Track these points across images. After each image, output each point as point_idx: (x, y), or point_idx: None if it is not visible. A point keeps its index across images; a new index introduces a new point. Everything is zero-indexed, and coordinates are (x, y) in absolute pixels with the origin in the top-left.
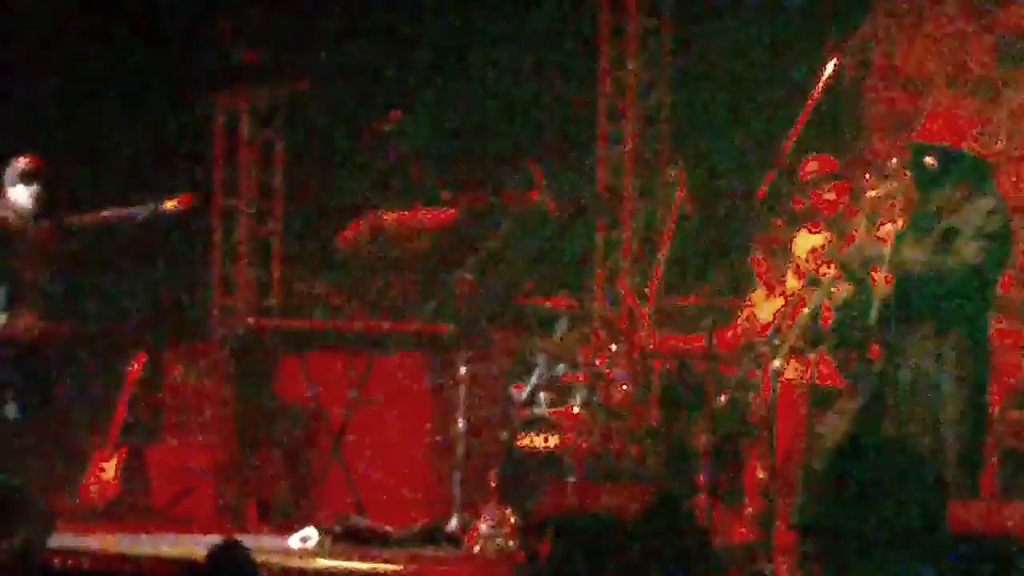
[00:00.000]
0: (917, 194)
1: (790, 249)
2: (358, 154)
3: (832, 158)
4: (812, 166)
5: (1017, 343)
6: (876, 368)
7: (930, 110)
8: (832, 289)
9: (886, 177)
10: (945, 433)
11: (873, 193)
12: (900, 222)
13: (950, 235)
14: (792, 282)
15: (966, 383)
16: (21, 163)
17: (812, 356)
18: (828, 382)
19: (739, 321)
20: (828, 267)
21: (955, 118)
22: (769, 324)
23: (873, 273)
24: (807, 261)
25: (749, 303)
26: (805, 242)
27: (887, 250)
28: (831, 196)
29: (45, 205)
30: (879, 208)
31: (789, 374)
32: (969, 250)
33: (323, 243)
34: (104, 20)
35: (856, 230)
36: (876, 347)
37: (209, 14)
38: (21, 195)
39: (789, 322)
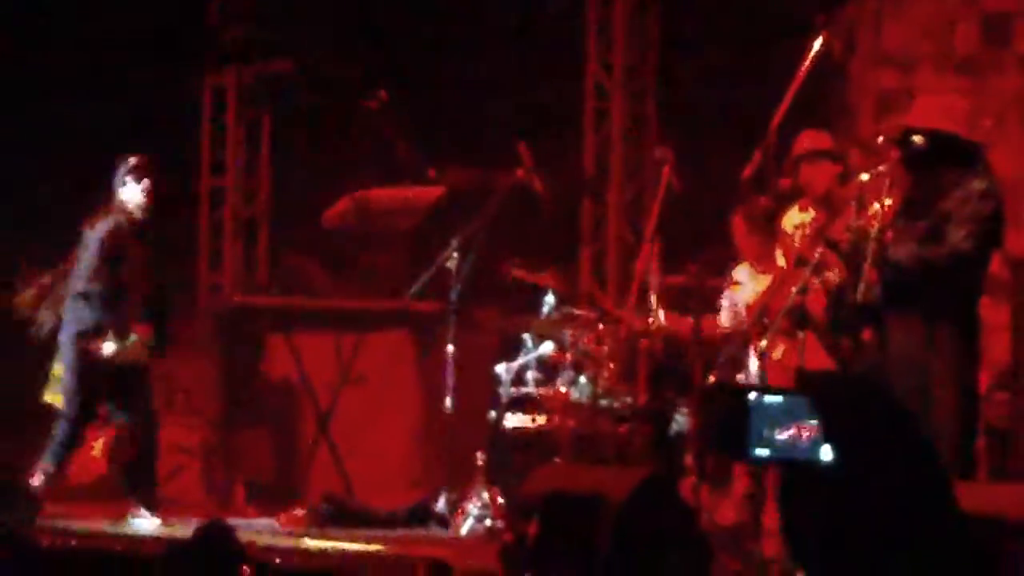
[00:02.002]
0: (907, 176)
1: (777, 226)
2: (345, 132)
3: (825, 134)
4: (804, 142)
5: (1004, 323)
6: (868, 351)
7: (920, 95)
8: (826, 272)
9: (875, 156)
10: (937, 417)
11: (865, 177)
12: (889, 202)
13: (941, 220)
14: (780, 260)
15: (957, 366)
16: (130, 161)
17: (800, 337)
18: (819, 364)
19: (723, 299)
20: (818, 247)
21: (946, 102)
22: (756, 303)
23: (864, 256)
24: (795, 238)
25: (732, 280)
26: (793, 219)
27: (875, 232)
28: (822, 173)
29: (156, 199)
30: (867, 189)
31: (777, 355)
32: (959, 236)
33: (310, 221)
34: None
35: (846, 211)
36: (868, 331)
37: None
38: (133, 193)
39: (776, 302)
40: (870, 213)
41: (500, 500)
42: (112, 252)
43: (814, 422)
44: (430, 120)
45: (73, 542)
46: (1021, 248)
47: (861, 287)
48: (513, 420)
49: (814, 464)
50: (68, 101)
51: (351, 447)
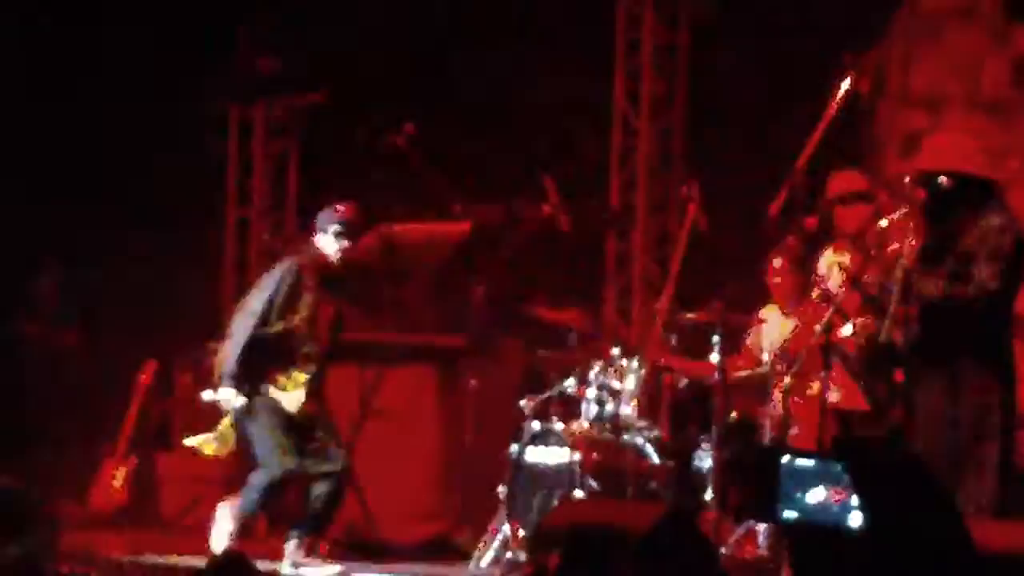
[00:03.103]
0: (930, 218)
1: (814, 268)
2: (372, 166)
3: (859, 175)
4: (839, 184)
5: None
6: (900, 394)
7: (931, 134)
8: (858, 318)
9: (901, 197)
10: (964, 462)
11: (884, 223)
12: (914, 243)
13: (964, 260)
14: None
15: (988, 413)
16: (339, 214)
17: (823, 374)
18: (853, 405)
19: (747, 340)
20: (845, 288)
21: (956, 140)
22: (784, 341)
23: (888, 299)
24: (830, 277)
25: (760, 319)
26: (829, 259)
27: (901, 272)
28: (856, 214)
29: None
30: (889, 233)
31: (812, 392)
32: (986, 275)
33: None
34: (122, 22)
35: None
36: (900, 373)
37: (228, 22)
38: (329, 246)
39: (801, 340)
40: (893, 254)
41: (521, 533)
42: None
43: (846, 487)
44: (456, 154)
45: (93, 573)
46: None
47: (885, 326)
48: (535, 454)
49: (843, 530)
50: (97, 126)
51: (372, 480)
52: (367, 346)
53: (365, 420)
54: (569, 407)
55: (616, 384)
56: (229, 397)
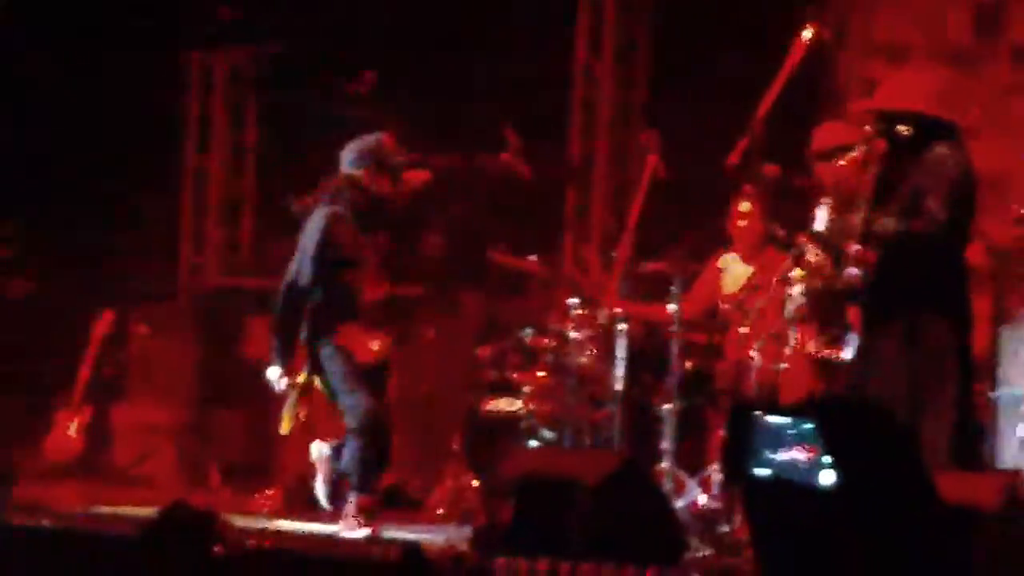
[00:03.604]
0: (885, 157)
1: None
2: (331, 115)
3: (843, 127)
4: (823, 137)
5: (985, 314)
6: (857, 338)
7: (894, 77)
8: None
9: (860, 144)
10: (931, 416)
11: (838, 165)
12: (869, 189)
13: (916, 194)
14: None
15: (947, 359)
16: (383, 145)
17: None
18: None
19: (698, 285)
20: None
21: (916, 80)
22: (740, 289)
23: (847, 245)
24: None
25: (718, 268)
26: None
27: (859, 219)
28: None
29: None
30: (844, 175)
31: (811, 349)
32: (935, 206)
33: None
34: None
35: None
36: (855, 318)
37: None
38: (370, 179)
39: (762, 291)
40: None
41: (475, 483)
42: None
43: (815, 445)
44: (416, 104)
45: (47, 522)
46: (1004, 238)
47: (845, 271)
48: (491, 404)
49: (812, 488)
50: (58, 77)
51: (326, 429)
52: None
53: None
54: (526, 356)
55: (573, 334)
56: (273, 377)
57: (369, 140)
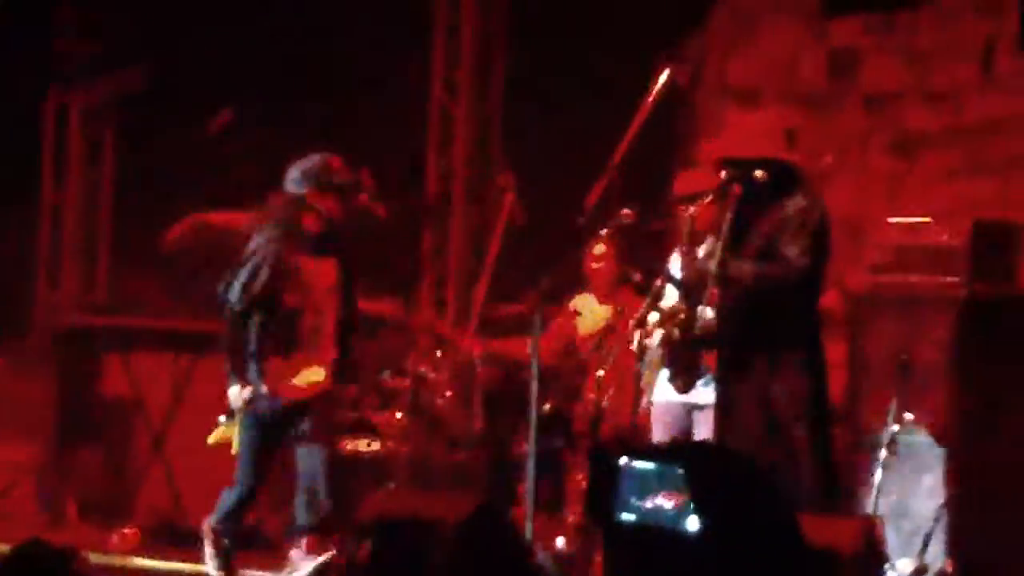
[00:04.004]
0: (738, 202)
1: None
2: (188, 152)
3: (705, 174)
4: (684, 183)
5: (840, 360)
6: (714, 380)
7: (747, 122)
8: (664, 304)
9: (715, 190)
10: (790, 454)
11: (692, 210)
12: (725, 234)
13: (772, 239)
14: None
15: (804, 397)
16: (332, 167)
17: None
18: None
19: (554, 326)
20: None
21: (765, 125)
22: (596, 331)
23: (703, 290)
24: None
25: (571, 308)
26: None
27: (714, 264)
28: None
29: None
30: (698, 221)
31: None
32: (794, 252)
33: (151, 241)
34: None
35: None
36: (712, 360)
37: (44, 5)
38: (319, 200)
39: (616, 332)
40: (706, 245)
41: (334, 523)
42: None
43: (681, 491)
44: (274, 143)
45: None
46: (858, 284)
47: (700, 317)
48: (349, 444)
49: (679, 534)
50: None
51: (185, 467)
52: (181, 334)
53: (178, 408)
54: (384, 398)
55: (430, 375)
56: (232, 396)
57: (312, 159)
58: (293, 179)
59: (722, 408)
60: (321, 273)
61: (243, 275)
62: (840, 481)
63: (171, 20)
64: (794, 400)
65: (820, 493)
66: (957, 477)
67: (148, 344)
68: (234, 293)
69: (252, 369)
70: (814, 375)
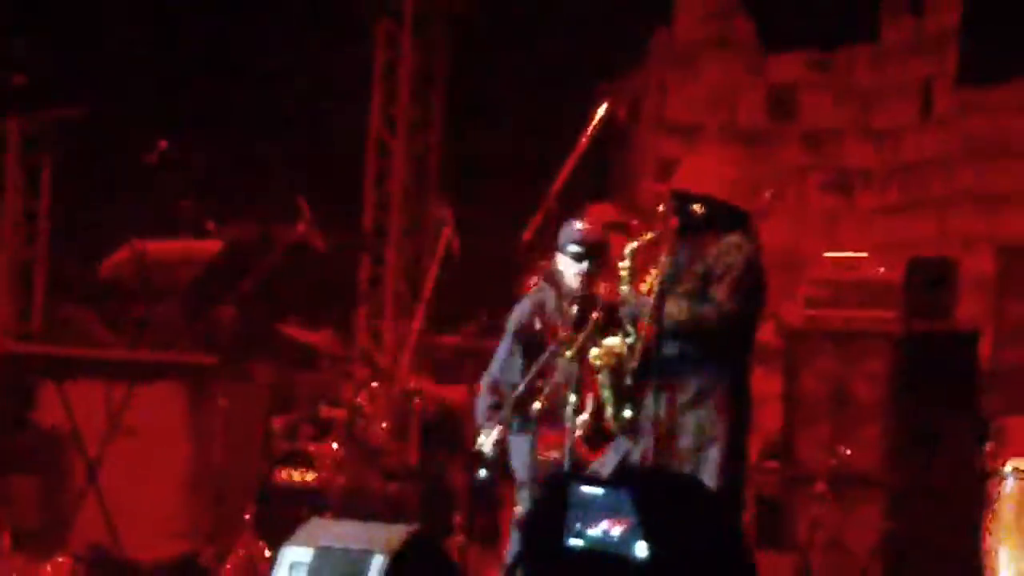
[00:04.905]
0: (679, 240)
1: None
2: (126, 182)
3: (612, 206)
4: (592, 216)
5: (775, 393)
6: (646, 413)
7: (689, 158)
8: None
9: (655, 222)
10: (704, 475)
11: (633, 245)
12: (663, 265)
13: (706, 279)
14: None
15: (727, 427)
16: (577, 229)
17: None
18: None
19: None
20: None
21: (713, 165)
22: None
23: (639, 324)
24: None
25: None
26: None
27: (650, 301)
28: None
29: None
30: (639, 257)
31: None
32: (722, 295)
33: (87, 270)
34: None
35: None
36: (644, 393)
37: None
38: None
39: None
40: (644, 282)
41: (267, 553)
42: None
43: (628, 516)
44: (212, 174)
45: None
46: (794, 318)
47: (636, 348)
48: (284, 475)
49: (627, 560)
50: None
51: (119, 497)
52: (116, 363)
53: (113, 437)
54: (319, 428)
55: (366, 406)
56: None
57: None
58: None
59: (656, 440)
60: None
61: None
62: (743, 511)
63: (111, 51)
64: (713, 426)
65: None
66: (893, 511)
67: (83, 372)
68: None
69: None
70: (737, 410)
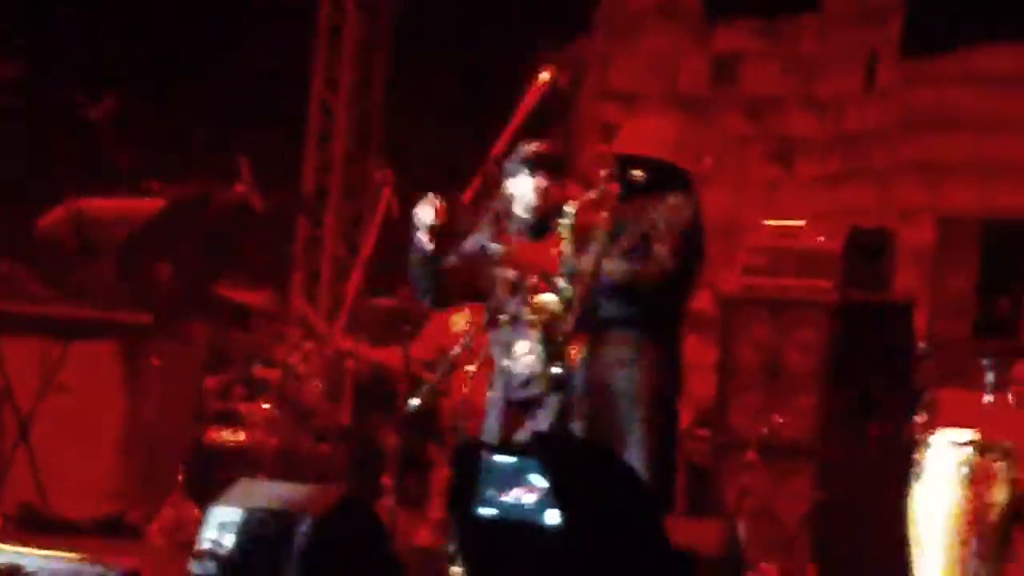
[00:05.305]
0: (620, 201)
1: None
2: (65, 139)
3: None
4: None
5: (711, 362)
6: (575, 372)
7: (632, 121)
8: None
9: (593, 189)
10: (633, 442)
11: (571, 206)
12: (601, 232)
13: (644, 237)
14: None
15: (657, 384)
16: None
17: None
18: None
19: (426, 333)
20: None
21: (657, 126)
22: (467, 327)
23: (575, 283)
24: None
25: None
26: None
27: (589, 261)
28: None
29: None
30: (578, 218)
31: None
32: (664, 253)
33: (24, 226)
34: None
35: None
36: (574, 351)
37: None
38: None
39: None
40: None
41: (196, 513)
42: None
43: (540, 484)
44: (152, 132)
45: None
46: (731, 286)
47: (574, 309)
48: (216, 435)
49: (538, 527)
50: None
51: (50, 455)
52: (51, 320)
53: (46, 394)
54: (252, 389)
55: (300, 367)
56: None
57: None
58: None
59: (587, 403)
60: None
61: None
62: (673, 477)
63: (48, 7)
64: (643, 387)
65: (661, 492)
66: (823, 481)
67: (16, 329)
68: None
69: None
70: (668, 371)
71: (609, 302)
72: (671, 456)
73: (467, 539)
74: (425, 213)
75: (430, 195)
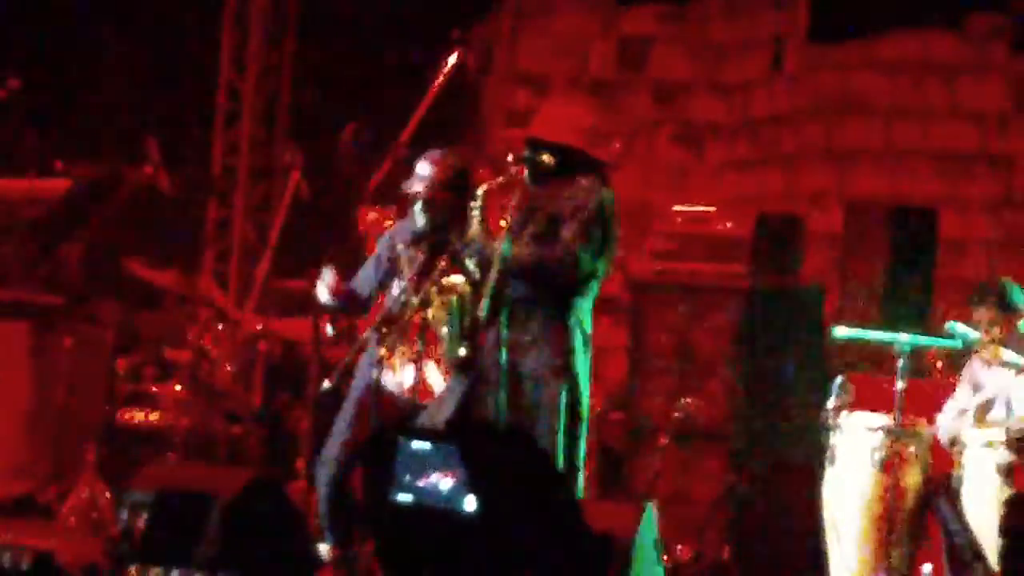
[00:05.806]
0: (529, 185)
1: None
2: None
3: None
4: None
5: (622, 344)
6: (489, 354)
7: (546, 106)
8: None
9: (503, 171)
10: (543, 426)
11: (481, 190)
12: (510, 216)
13: (552, 221)
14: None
15: (563, 361)
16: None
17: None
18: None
19: None
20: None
21: (572, 113)
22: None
23: (485, 267)
24: None
25: None
26: None
27: (499, 245)
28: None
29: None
30: (488, 202)
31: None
32: (569, 236)
33: None
34: None
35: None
36: (485, 336)
37: None
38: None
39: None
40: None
41: (108, 494)
42: None
43: (456, 470)
44: (59, 112)
45: None
46: (641, 271)
47: (484, 292)
48: (128, 416)
49: (454, 513)
50: None
51: None
52: None
53: None
54: (163, 370)
55: (211, 348)
56: None
57: None
58: None
59: (487, 381)
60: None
61: None
62: (584, 459)
63: None
64: (552, 369)
65: (568, 476)
66: (735, 464)
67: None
68: None
69: None
70: (576, 354)
71: (518, 284)
72: (579, 438)
73: (383, 524)
74: (321, 292)
75: (324, 271)
